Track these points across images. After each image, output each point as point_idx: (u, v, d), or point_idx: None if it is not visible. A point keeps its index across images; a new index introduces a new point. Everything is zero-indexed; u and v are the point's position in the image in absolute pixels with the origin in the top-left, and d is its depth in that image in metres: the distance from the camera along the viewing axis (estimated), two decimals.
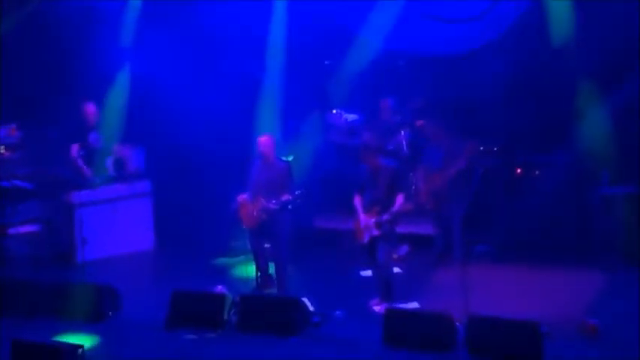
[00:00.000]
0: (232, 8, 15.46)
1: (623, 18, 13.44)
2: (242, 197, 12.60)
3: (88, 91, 14.96)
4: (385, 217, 11.95)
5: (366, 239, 12.13)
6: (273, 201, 12.30)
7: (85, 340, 10.75)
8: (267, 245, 12.67)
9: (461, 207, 13.31)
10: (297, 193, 12.43)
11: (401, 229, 12.58)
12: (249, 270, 12.89)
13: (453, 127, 13.81)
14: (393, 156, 14.20)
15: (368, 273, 12.82)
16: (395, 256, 12.94)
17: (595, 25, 13.76)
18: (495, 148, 13.49)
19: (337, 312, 11.85)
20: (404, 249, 13.86)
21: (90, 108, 14.62)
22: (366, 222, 12.08)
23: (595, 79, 13.79)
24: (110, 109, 15.15)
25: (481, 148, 13.45)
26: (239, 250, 13.80)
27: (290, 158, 13.43)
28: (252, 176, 12.66)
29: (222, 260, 14.05)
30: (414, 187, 14.30)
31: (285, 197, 12.34)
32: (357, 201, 12.26)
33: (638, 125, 13.61)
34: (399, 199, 12.01)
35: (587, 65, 13.74)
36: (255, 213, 12.40)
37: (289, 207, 12.54)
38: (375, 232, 12.03)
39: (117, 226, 14.55)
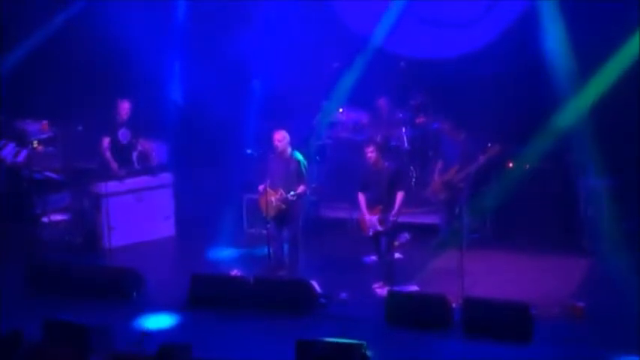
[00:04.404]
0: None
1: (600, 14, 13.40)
2: (262, 188, 12.42)
3: (118, 90, 14.82)
4: (391, 218, 11.93)
5: (370, 233, 12.15)
6: (292, 192, 12.19)
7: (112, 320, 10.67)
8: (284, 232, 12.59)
9: (466, 197, 13.41)
10: (312, 186, 12.37)
11: (402, 218, 12.44)
12: (263, 255, 12.76)
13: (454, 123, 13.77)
14: (394, 151, 14.28)
15: (371, 258, 12.86)
16: (396, 243, 12.81)
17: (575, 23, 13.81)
18: (489, 144, 13.35)
19: (342, 294, 11.82)
20: (404, 237, 13.73)
21: (124, 104, 14.36)
22: (370, 219, 12.06)
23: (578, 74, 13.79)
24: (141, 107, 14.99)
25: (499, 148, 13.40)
26: (253, 237, 13.71)
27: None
28: (268, 169, 12.54)
29: (237, 246, 13.93)
30: (416, 179, 14.31)
31: (302, 189, 12.27)
32: (361, 198, 12.19)
33: (619, 123, 13.49)
34: (399, 196, 11.97)
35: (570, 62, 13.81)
36: (274, 203, 12.28)
37: (304, 198, 12.54)
38: (379, 228, 12.02)
39: (140, 215, 14.35)
